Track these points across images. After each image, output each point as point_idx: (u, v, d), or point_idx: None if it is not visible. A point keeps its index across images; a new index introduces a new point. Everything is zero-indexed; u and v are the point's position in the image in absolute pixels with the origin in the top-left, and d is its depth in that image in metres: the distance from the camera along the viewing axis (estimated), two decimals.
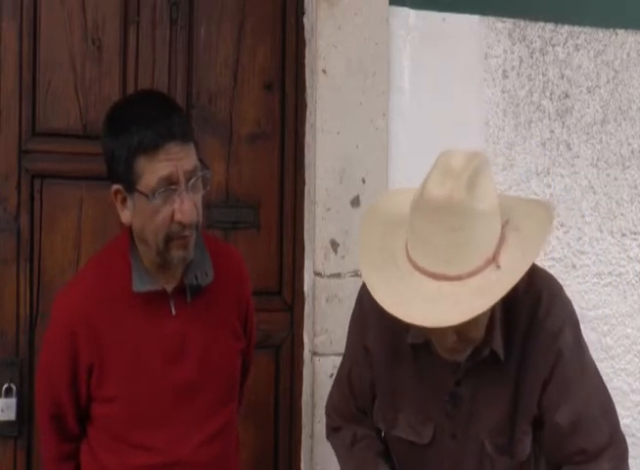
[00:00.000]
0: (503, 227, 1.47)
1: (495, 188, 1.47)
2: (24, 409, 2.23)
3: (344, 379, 1.83)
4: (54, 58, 2.28)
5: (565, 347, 1.58)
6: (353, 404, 1.82)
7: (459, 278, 1.40)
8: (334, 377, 1.93)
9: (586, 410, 1.58)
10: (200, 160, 1.71)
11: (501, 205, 1.49)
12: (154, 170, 1.63)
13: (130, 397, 1.77)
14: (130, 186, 1.66)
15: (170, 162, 1.64)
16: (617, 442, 1.63)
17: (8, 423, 2.22)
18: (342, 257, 2.32)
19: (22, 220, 2.25)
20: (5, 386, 2.22)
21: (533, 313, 1.58)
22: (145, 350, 1.76)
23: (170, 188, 1.64)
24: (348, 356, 1.83)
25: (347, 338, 1.84)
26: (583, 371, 1.60)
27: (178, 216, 1.65)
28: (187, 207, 1.65)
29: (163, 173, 1.63)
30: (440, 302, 1.40)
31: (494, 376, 1.60)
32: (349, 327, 1.83)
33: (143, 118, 1.65)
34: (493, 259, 1.42)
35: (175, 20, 2.36)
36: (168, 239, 1.68)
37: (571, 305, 1.65)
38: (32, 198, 2.26)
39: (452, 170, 1.42)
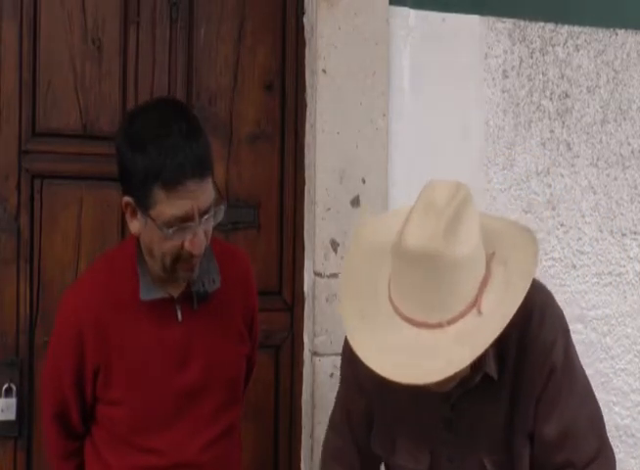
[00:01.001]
0: (489, 261, 1.43)
1: (478, 223, 1.42)
2: (24, 409, 2.23)
3: (344, 421, 1.77)
4: (54, 58, 2.27)
5: (557, 360, 1.55)
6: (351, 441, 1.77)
7: (440, 325, 1.36)
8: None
9: (574, 422, 1.55)
10: (216, 188, 1.69)
11: (486, 232, 1.45)
12: (170, 205, 1.60)
13: (135, 400, 1.77)
14: (143, 208, 1.64)
15: (188, 200, 1.60)
16: (604, 453, 1.58)
17: (8, 423, 2.22)
18: (342, 257, 2.31)
19: (22, 220, 2.25)
20: (5, 386, 2.21)
21: (526, 328, 1.54)
22: (151, 355, 1.76)
23: (184, 225, 1.63)
24: (344, 393, 1.77)
25: (340, 373, 1.79)
26: (573, 383, 1.57)
27: (188, 247, 1.65)
28: (198, 241, 1.64)
29: (179, 212, 1.61)
30: (418, 353, 1.36)
31: (489, 396, 1.57)
32: (341, 362, 1.77)
33: (163, 142, 1.60)
34: (475, 303, 1.38)
35: (175, 20, 2.35)
36: (175, 261, 1.68)
37: (562, 315, 1.61)
38: (32, 198, 2.26)
39: (434, 207, 1.38)
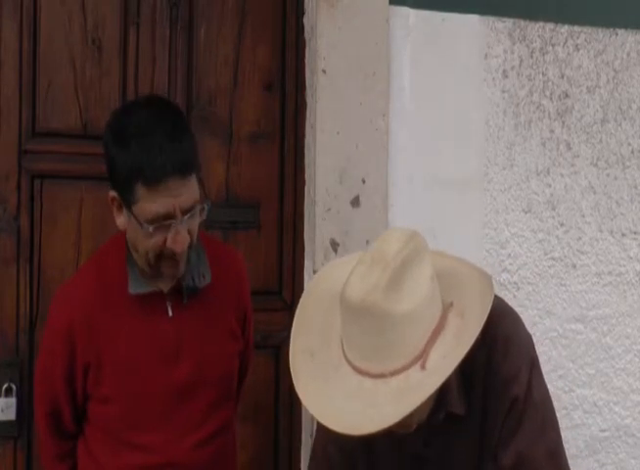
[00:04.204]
0: (446, 311, 1.39)
1: (428, 275, 1.37)
2: (24, 409, 2.23)
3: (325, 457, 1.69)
4: (54, 58, 2.27)
5: (519, 393, 1.51)
6: None
7: (382, 376, 1.34)
8: None
9: (530, 453, 1.51)
10: (200, 182, 1.69)
11: (448, 279, 1.42)
12: (151, 202, 1.62)
13: (126, 397, 1.77)
14: (127, 204, 1.66)
15: (169, 198, 1.62)
16: None
17: (8, 423, 2.22)
18: (342, 256, 2.31)
19: (22, 220, 2.25)
20: (5, 386, 2.21)
21: (490, 358, 1.51)
22: (141, 350, 1.77)
23: (165, 223, 1.64)
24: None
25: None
26: (533, 413, 1.53)
27: (170, 245, 1.66)
28: (180, 238, 1.65)
29: (160, 211, 1.62)
30: (357, 402, 1.33)
31: (460, 429, 1.54)
32: None
33: (147, 141, 1.61)
34: (421, 356, 1.35)
35: (175, 20, 2.35)
36: (159, 258, 1.69)
37: (528, 342, 1.57)
38: (32, 198, 2.26)
39: (382, 259, 1.35)
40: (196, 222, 1.70)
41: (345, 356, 1.39)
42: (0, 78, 2.24)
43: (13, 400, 2.22)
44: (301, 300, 1.54)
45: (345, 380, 1.37)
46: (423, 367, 1.34)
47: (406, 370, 1.34)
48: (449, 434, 1.55)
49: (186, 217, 1.65)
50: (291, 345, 1.47)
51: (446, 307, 1.40)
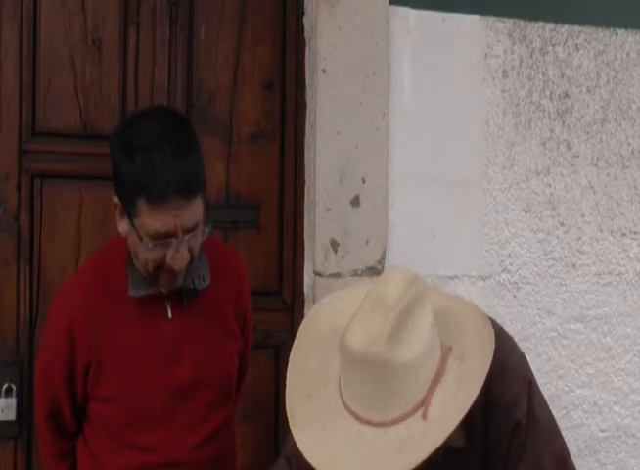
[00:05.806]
0: (445, 356, 1.37)
1: (430, 320, 1.35)
2: (24, 409, 2.23)
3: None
4: (54, 58, 2.28)
5: (521, 416, 1.50)
6: None
7: (382, 425, 1.31)
8: None
9: (539, 463, 1.50)
10: (205, 206, 1.69)
11: (447, 321, 1.40)
12: (153, 219, 1.61)
13: (126, 397, 1.78)
14: (129, 214, 1.66)
15: (171, 218, 1.61)
16: None
17: (8, 423, 2.22)
18: (342, 256, 2.32)
19: (22, 220, 2.25)
20: (5, 386, 2.21)
21: (489, 390, 1.47)
22: (141, 351, 1.78)
23: (166, 241, 1.64)
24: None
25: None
26: (537, 427, 1.52)
27: (169, 261, 1.66)
28: (180, 256, 1.65)
29: (162, 229, 1.62)
30: (357, 451, 1.31)
31: (459, 460, 1.52)
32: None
33: (152, 157, 1.60)
34: (422, 404, 1.32)
35: (175, 20, 2.36)
36: (158, 269, 1.70)
37: (523, 363, 1.56)
38: (32, 198, 2.26)
39: (383, 305, 1.31)
40: (197, 241, 1.70)
41: (343, 400, 1.37)
42: (0, 78, 2.24)
43: (13, 400, 2.22)
44: (297, 337, 1.52)
45: (345, 428, 1.34)
46: (424, 417, 1.32)
47: (406, 419, 1.32)
48: (450, 462, 1.51)
49: (187, 237, 1.65)
50: (287, 385, 1.46)
51: (445, 352, 1.38)
